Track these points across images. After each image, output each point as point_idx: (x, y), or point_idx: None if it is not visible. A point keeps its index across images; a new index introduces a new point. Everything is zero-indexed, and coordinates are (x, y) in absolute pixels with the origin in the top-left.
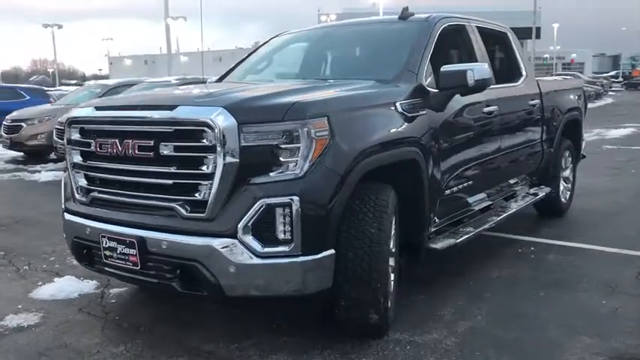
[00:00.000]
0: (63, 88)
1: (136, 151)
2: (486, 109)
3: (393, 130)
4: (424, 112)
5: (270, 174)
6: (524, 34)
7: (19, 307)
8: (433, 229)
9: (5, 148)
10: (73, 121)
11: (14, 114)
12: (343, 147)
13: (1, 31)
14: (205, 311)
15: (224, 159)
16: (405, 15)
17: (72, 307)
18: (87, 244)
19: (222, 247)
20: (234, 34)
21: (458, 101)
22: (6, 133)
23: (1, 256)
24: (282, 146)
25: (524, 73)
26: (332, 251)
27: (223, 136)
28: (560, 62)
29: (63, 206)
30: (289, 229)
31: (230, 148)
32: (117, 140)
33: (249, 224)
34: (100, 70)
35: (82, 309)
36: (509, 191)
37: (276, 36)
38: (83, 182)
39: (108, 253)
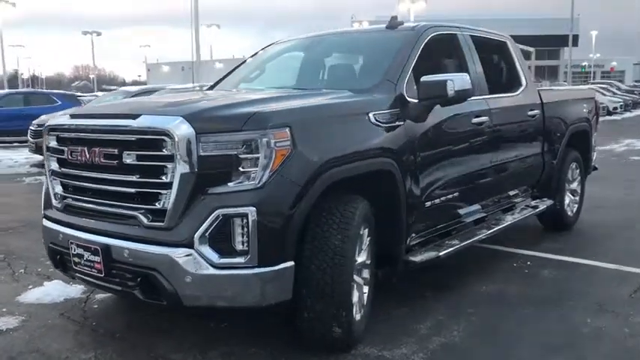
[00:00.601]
0: (99, 93)
1: (102, 159)
2: (476, 120)
3: (364, 141)
4: (401, 122)
5: (229, 184)
6: (560, 41)
7: (4, 310)
8: (416, 241)
9: (31, 152)
10: (51, 129)
11: (40, 119)
12: (306, 158)
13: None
14: (181, 320)
15: (182, 168)
16: (392, 24)
17: (54, 311)
18: (60, 249)
19: (179, 257)
20: (269, 40)
21: (442, 112)
22: (32, 138)
23: (0, 259)
24: (242, 156)
25: (523, 83)
26: (291, 263)
27: (181, 146)
28: (600, 70)
29: (42, 213)
30: (246, 240)
31: (188, 157)
32: (85, 148)
33: (206, 234)
34: (139, 76)
35: (64, 313)
36: (507, 203)
37: (271, 44)
38: (59, 189)
39: (76, 259)
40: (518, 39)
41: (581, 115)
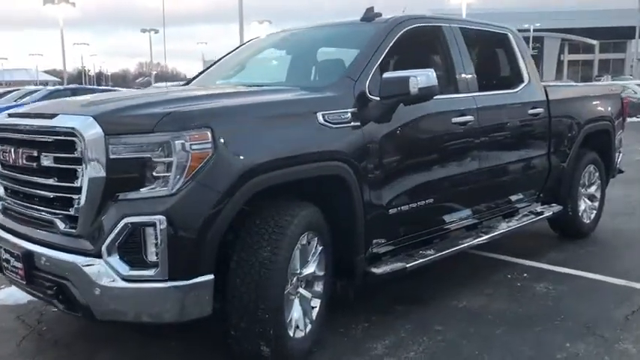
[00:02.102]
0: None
1: (24, 161)
2: (457, 120)
3: (308, 144)
4: (357, 122)
5: (141, 190)
6: (626, 33)
7: None
8: (384, 250)
9: None
10: None
11: None
12: (230, 162)
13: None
14: (129, 330)
15: (91, 172)
16: (367, 16)
17: (12, 314)
18: None
19: (87, 267)
20: None
21: (412, 110)
22: None
23: None
24: (155, 160)
25: (525, 79)
26: (209, 277)
27: (90, 147)
28: None
29: None
30: (156, 251)
31: (97, 160)
32: (13, 149)
33: (115, 244)
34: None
35: (20, 316)
36: (508, 208)
37: (252, 39)
38: (1, 191)
39: (5, 264)
40: (580, 31)
41: (600, 113)
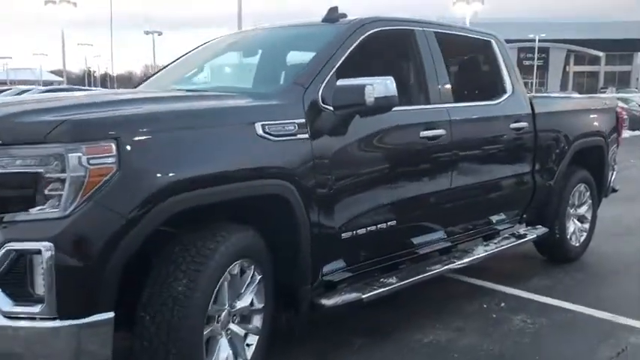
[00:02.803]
0: None
1: None
2: (427, 133)
3: (242, 158)
4: (306, 135)
5: (31, 211)
6: (632, 46)
7: None
8: (340, 278)
9: None
10: None
11: None
12: (140, 178)
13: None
14: None
15: None
16: (330, 17)
17: None
18: None
19: None
20: None
21: (372, 122)
22: None
23: None
24: (48, 176)
25: (508, 89)
26: (109, 315)
27: None
28: None
29: None
30: (43, 284)
31: None
32: None
33: None
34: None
35: None
36: (487, 230)
37: (210, 41)
38: None
39: None
40: (587, 43)
41: (593, 128)
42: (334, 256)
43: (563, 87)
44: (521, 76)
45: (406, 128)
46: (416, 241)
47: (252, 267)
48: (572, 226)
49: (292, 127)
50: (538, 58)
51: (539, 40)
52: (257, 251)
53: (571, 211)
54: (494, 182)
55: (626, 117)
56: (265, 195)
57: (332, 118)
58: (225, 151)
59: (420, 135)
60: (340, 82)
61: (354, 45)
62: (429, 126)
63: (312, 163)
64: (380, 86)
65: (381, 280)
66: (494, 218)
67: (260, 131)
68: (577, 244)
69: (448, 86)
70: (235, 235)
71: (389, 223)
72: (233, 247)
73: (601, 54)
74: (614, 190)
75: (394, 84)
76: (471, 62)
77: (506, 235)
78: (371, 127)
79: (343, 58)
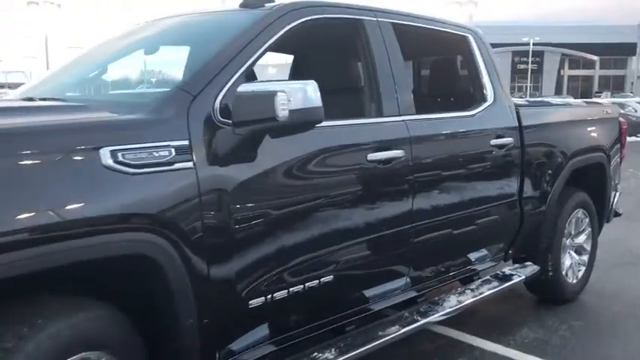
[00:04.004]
0: None
1: None
2: (377, 156)
3: (74, 203)
4: (189, 164)
5: None
6: (627, 50)
7: None
8: (258, 355)
9: None
10: None
11: None
12: None
13: None
14: None
15: None
16: (249, 2)
17: None
18: None
19: None
20: None
21: (294, 142)
22: None
23: None
24: None
25: (489, 97)
26: None
27: None
28: None
29: None
30: None
31: None
32: None
33: None
34: None
35: None
36: (464, 272)
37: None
38: None
39: None
40: (581, 47)
41: (592, 142)
42: (243, 328)
43: (558, 91)
44: (515, 80)
45: (347, 150)
46: (368, 293)
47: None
48: (568, 259)
49: (166, 153)
50: (532, 62)
51: (534, 44)
52: (112, 337)
53: (567, 242)
54: (472, 213)
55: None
56: (117, 257)
57: (231, 139)
58: (49, 193)
59: (368, 158)
60: (242, 88)
61: (275, 38)
62: (381, 146)
63: (197, 202)
64: (297, 94)
65: (316, 354)
66: (473, 256)
67: (108, 160)
68: (574, 281)
69: (409, 94)
70: (75, 315)
71: (323, 279)
72: (63, 337)
73: (595, 58)
74: (617, 214)
75: (317, 91)
76: (440, 63)
77: (488, 278)
78: (290, 150)
79: (256, 55)
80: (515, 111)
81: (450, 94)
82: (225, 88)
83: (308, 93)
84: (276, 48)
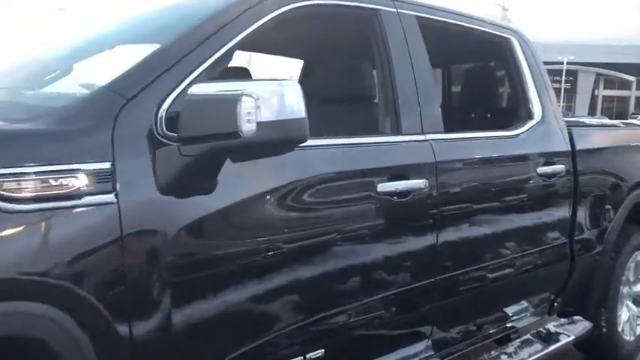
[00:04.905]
0: None
1: None
2: (391, 187)
3: None
4: (108, 196)
5: None
6: None
7: None
8: None
9: None
10: None
11: None
12: None
13: None
14: None
15: None
16: None
17: None
18: None
19: None
20: None
21: (273, 167)
22: None
23: None
24: None
25: (536, 113)
26: None
27: None
28: None
29: None
30: None
31: None
32: None
33: None
34: None
35: None
36: (497, 331)
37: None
38: None
39: None
40: (617, 67)
41: None
42: None
43: (592, 112)
44: None
45: (348, 179)
46: None
47: None
48: (624, 312)
49: (72, 182)
50: (566, 81)
51: (568, 63)
52: None
53: (624, 290)
54: (511, 260)
55: None
56: None
57: (178, 162)
58: None
59: (378, 190)
60: (195, 90)
61: (251, 29)
62: (397, 173)
63: (117, 254)
64: (271, 99)
65: None
66: (511, 310)
67: None
68: (631, 338)
69: (436, 107)
70: None
71: (311, 355)
72: None
73: (632, 78)
74: None
75: (301, 97)
76: (476, 70)
77: (529, 338)
78: (267, 178)
79: (224, 50)
80: (568, 131)
81: (487, 108)
82: (176, 91)
83: (286, 99)
84: (255, 43)
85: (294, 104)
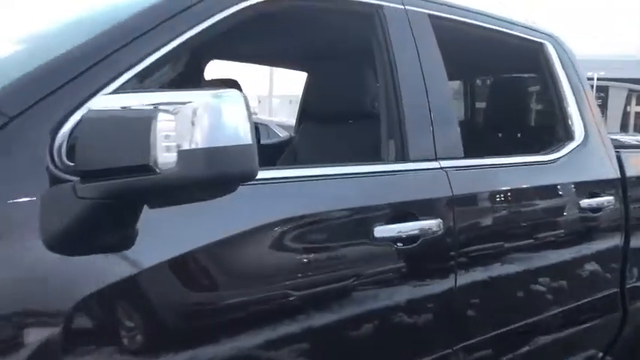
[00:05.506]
0: None
1: None
2: (392, 231)
3: None
4: None
5: None
6: None
7: None
8: None
9: None
10: None
11: None
12: None
13: None
14: None
15: None
16: None
17: None
18: None
19: None
20: None
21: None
22: None
23: None
24: None
25: (577, 133)
26: None
27: None
28: None
29: None
30: None
31: None
32: None
33: None
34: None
35: None
36: None
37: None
38: None
39: None
40: None
41: None
42: None
43: (623, 128)
44: None
45: (334, 222)
46: None
47: None
48: None
49: None
50: (596, 97)
51: (598, 79)
52: None
53: None
54: (549, 316)
55: None
56: None
57: (72, 207)
58: None
59: (376, 235)
60: (96, 104)
61: (199, 29)
62: (402, 212)
63: None
64: (201, 118)
65: None
66: None
67: None
68: None
69: (453, 126)
70: None
71: None
72: None
73: None
74: None
75: (246, 113)
76: (504, 81)
77: None
78: (210, 226)
79: (157, 55)
80: (616, 155)
81: (517, 128)
82: (82, 110)
83: (225, 116)
84: (213, 44)
85: (238, 124)
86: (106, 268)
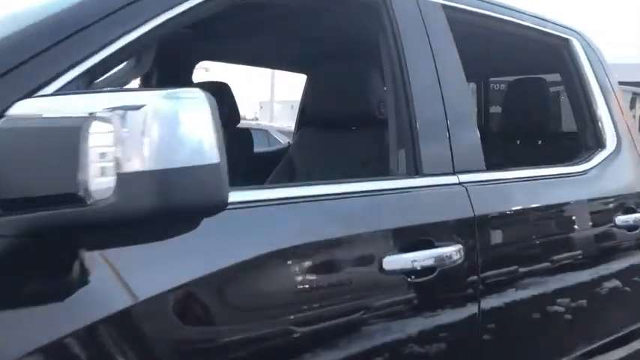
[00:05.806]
0: None
1: None
2: (402, 262)
3: None
4: None
5: None
6: None
7: None
8: None
9: None
10: None
11: None
12: None
13: None
14: None
15: None
16: None
17: None
18: None
19: None
20: None
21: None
22: None
23: None
24: None
25: (609, 141)
26: None
27: None
28: None
29: None
30: None
31: None
32: None
33: None
34: (256, 112)
35: None
36: None
37: None
38: None
39: None
40: None
41: None
42: None
43: None
44: None
45: (333, 251)
46: None
47: None
48: None
49: None
50: None
51: None
52: None
53: None
54: (586, 352)
55: None
56: None
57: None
58: None
59: (385, 267)
60: (16, 110)
61: (166, 17)
62: (415, 237)
63: None
64: (150, 125)
65: None
66: None
67: None
68: None
69: (473, 133)
70: None
71: None
72: None
73: None
74: None
75: (212, 122)
76: (524, 83)
77: None
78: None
79: (115, 46)
80: None
81: (539, 134)
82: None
83: (182, 126)
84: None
85: (201, 136)
86: (32, 328)
